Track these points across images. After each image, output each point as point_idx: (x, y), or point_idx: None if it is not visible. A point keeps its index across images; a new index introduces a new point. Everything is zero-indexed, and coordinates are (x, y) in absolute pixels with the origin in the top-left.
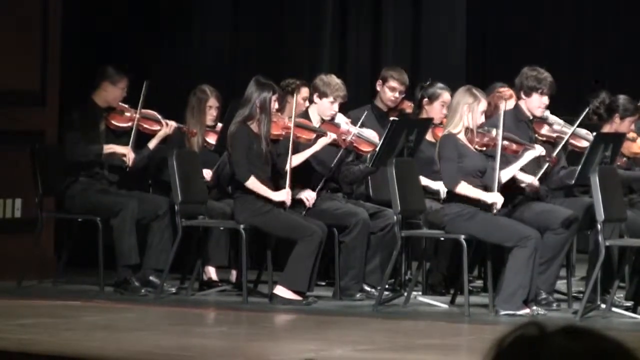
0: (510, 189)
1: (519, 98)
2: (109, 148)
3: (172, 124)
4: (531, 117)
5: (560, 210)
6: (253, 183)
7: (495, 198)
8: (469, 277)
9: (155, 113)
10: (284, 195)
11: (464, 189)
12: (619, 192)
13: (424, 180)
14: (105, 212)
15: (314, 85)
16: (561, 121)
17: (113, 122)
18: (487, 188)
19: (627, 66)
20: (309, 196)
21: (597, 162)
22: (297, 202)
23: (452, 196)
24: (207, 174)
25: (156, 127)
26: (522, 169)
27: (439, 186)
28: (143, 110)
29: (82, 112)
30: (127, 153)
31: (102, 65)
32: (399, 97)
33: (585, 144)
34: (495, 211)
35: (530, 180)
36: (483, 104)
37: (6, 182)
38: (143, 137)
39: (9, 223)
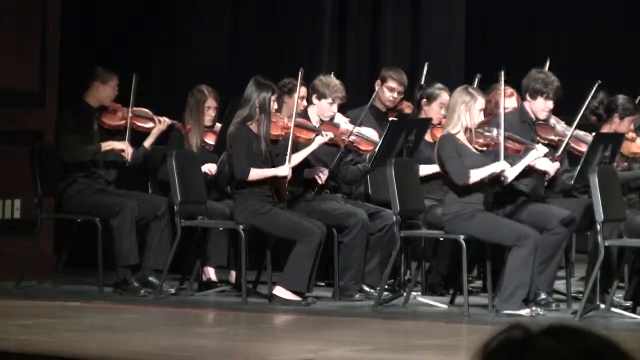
0: (510, 187)
1: (523, 99)
2: (107, 145)
3: (165, 120)
4: (534, 119)
5: (556, 210)
6: (255, 173)
7: (501, 165)
8: (468, 277)
9: (148, 110)
10: (285, 170)
11: (476, 175)
12: (618, 192)
13: (424, 169)
14: (104, 213)
15: (312, 86)
16: (563, 124)
17: (106, 121)
18: (487, 186)
19: (626, 66)
20: (321, 173)
21: (597, 162)
22: (299, 197)
23: (451, 196)
24: (212, 167)
25: (149, 125)
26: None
27: (437, 167)
28: (135, 108)
29: (75, 113)
30: (126, 148)
31: (94, 65)
32: (398, 97)
33: (585, 147)
34: (503, 178)
35: (549, 164)
36: (480, 103)
37: (5, 183)
38: (137, 135)
39: (8, 223)
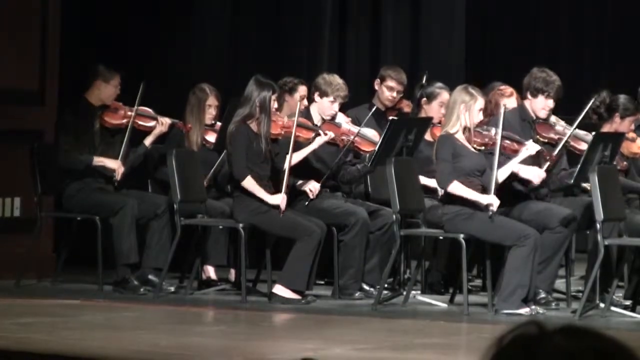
0: (510, 187)
1: (524, 98)
2: (99, 161)
3: (167, 120)
4: (534, 118)
5: (558, 209)
6: (249, 182)
7: (490, 200)
8: (468, 276)
9: (150, 110)
10: (278, 199)
11: (457, 189)
12: (618, 191)
13: (423, 180)
14: (104, 211)
15: (315, 84)
16: (563, 123)
17: (107, 120)
18: (486, 187)
19: (626, 66)
20: (313, 187)
21: (597, 162)
22: (298, 196)
23: (451, 195)
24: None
25: (151, 124)
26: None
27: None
28: (137, 107)
29: (75, 113)
30: (117, 168)
31: (96, 64)
32: (397, 96)
33: (584, 146)
34: (490, 213)
35: (535, 173)
36: (480, 102)
37: (5, 181)
38: (138, 134)
39: (8, 222)
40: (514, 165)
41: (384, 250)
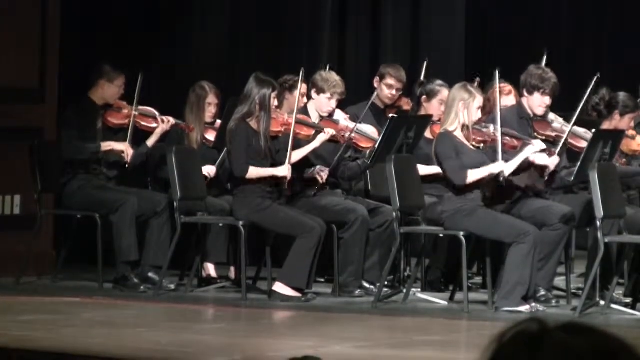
0: (512, 187)
1: (521, 95)
2: (107, 145)
3: (170, 120)
4: (532, 115)
5: (557, 207)
6: (252, 171)
7: (499, 167)
8: (468, 273)
9: (152, 109)
10: (285, 170)
11: (473, 176)
12: (618, 188)
13: (423, 169)
14: (104, 209)
15: (312, 81)
16: (561, 120)
17: (110, 119)
18: (486, 183)
19: (626, 65)
20: (321, 171)
21: (596, 159)
22: (300, 194)
23: (452, 193)
24: (211, 169)
25: (153, 124)
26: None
27: (436, 169)
28: (140, 107)
29: (78, 110)
30: (126, 149)
31: (100, 62)
32: (396, 94)
33: (584, 144)
34: (502, 179)
35: (550, 160)
36: (479, 100)
37: (5, 179)
38: (140, 134)
39: (8, 219)
40: (519, 162)
41: (384, 247)
